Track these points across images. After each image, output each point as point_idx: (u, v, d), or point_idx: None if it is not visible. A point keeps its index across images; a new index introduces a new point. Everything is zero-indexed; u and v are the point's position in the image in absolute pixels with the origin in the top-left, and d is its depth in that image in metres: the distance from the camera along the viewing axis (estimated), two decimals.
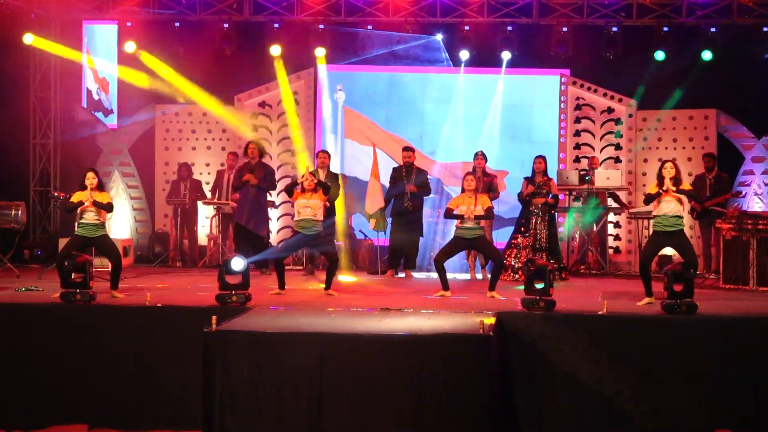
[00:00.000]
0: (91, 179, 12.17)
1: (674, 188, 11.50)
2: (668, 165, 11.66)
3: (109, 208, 12.24)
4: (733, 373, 10.02)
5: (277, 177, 18.37)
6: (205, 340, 9.34)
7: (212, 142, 19.17)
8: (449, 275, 13.05)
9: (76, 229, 12.26)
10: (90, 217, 12.09)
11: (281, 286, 12.78)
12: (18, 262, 16.05)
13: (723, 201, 16.14)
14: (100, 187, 12.29)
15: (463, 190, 12.97)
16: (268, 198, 17.15)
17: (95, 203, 12.04)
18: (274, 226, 18.59)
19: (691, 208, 16.16)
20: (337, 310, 10.97)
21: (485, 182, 15.54)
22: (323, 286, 12.97)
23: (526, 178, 15.52)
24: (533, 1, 18.14)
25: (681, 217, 11.63)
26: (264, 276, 14.98)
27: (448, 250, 13.04)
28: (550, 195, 15.19)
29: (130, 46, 18.46)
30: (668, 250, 12.43)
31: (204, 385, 9.33)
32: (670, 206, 11.56)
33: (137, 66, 18.56)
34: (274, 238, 18.31)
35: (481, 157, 15.83)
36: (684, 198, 11.66)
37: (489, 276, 13.32)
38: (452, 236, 13.07)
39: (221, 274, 11.07)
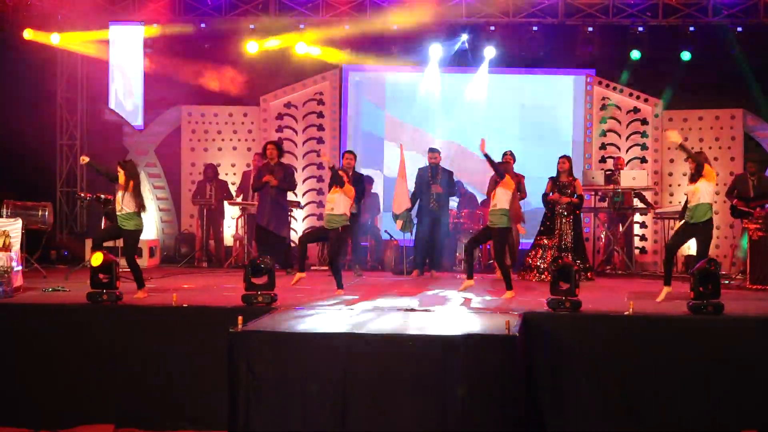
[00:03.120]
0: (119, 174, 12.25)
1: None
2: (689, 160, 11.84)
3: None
4: (759, 374, 9.97)
5: (302, 177, 18.46)
6: (231, 340, 9.35)
7: (238, 143, 19.23)
8: (478, 275, 13.08)
9: None
10: (118, 208, 12.11)
11: (301, 268, 12.91)
12: (45, 262, 16.13)
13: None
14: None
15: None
16: (293, 198, 17.19)
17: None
18: (299, 226, 18.64)
19: (731, 206, 16.03)
20: (363, 310, 10.98)
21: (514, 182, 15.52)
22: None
23: (550, 178, 15.46)
24: (558, 1, 18.10)
25: (700, 206, 11.60)
26: (289, 276, 15.00)
27: (477, 238, 13.13)
28: (575, 195, 15.14)
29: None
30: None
31: (229, 385, 9.35)
32: (692, 197, 11.67)
33: (163, 67, 18.62)
34: (298, 238, 18.36)
35: (509, 156, 15.79)
36: (704, 188, 11.60)
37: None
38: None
39: (247, 275, 11.09)
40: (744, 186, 16.11)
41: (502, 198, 12.53)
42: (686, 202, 11.95)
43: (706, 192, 11.65)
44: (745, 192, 16.02)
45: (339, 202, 12.86)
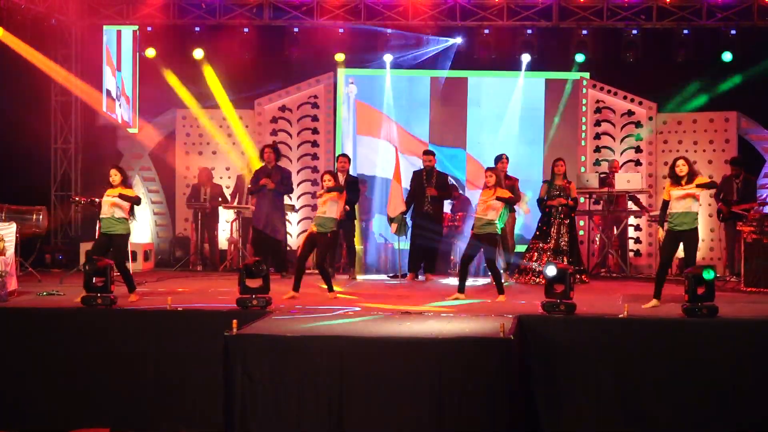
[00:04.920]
0: (113, 176, 12.25)
1: (681, 190, 11.54)
2: (680, 162, 11.71)
3: (131, 200, 12.27)
4: (753, 376, 10.00)
5: (297, 180, 18.43)
6: (226, 344, 9.37)
7: (232, 147, 19.19)
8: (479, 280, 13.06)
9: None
10: (106, 210, 12.13)
11: (296, 288, 12.78)
12: (39, 266, 16.11)
13: (751, 207, 15.92)
14: (124, 183, 12.31)
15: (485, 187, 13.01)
16: (288, 201, 17.18)
17: (121, 196, 12.11)
18: (294, 229, 18.63)
19: (718, 210, 16.12)
20: (358, 313, 10.98)
21: (507, 185, 15.48)
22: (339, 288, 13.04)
23: (545, 182, 15.45)
24: (553, 4, 18.10)
25: (690, 214, 11.56)
26: (284, 280, 14.99)
27: (471, 253, 13.04)
28: (570, 198, 15.13)
29: (150, 52, 18.55)
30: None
31: (225, 388, 9.37)
32: (679, 204, 11.56)
33: (156, 71, 18.59)
34: (294, 242, 18.33)
35: (505, 160, 15.75)
36: (694, 193, 11.58)
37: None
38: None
39: (242, 278, 11.09)
40: (728, 188, 16.18)
41: (495, 209, 12.58)
42: (665, 204, 11.85)
43: (696, 200, 11.66)
44: (729, 194, 16.10)
45: (332, 206, 12.91)
